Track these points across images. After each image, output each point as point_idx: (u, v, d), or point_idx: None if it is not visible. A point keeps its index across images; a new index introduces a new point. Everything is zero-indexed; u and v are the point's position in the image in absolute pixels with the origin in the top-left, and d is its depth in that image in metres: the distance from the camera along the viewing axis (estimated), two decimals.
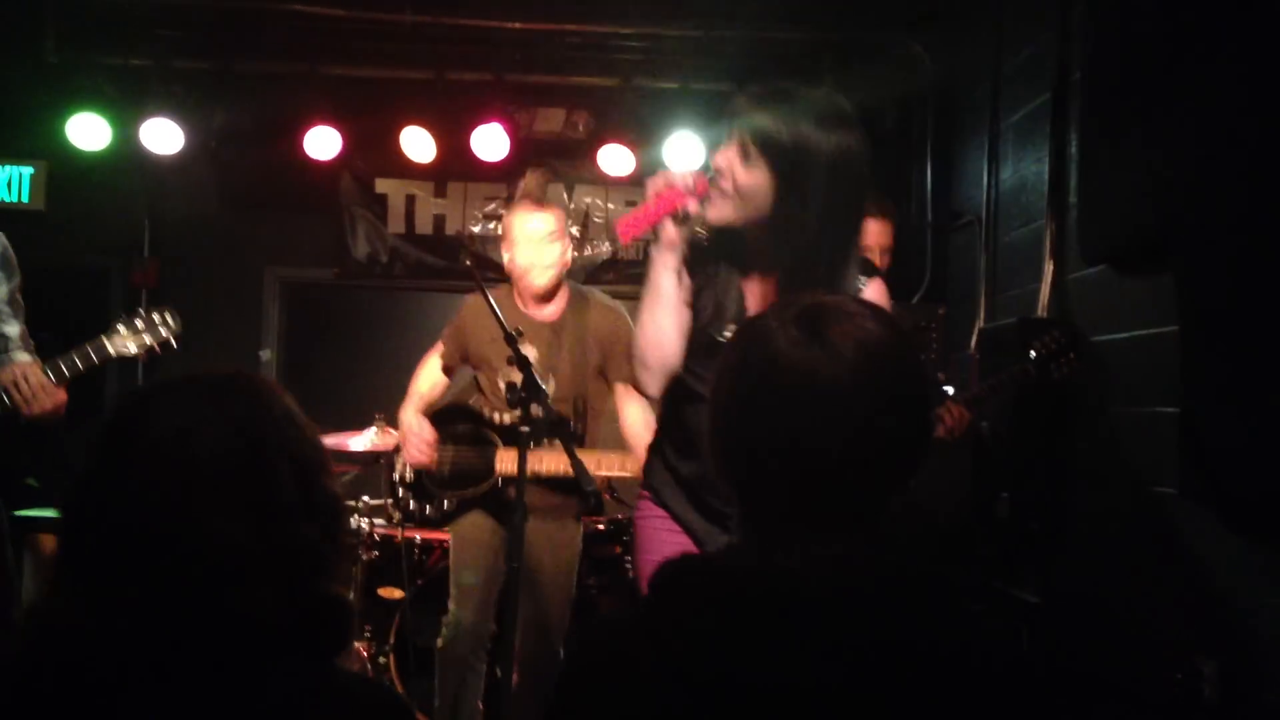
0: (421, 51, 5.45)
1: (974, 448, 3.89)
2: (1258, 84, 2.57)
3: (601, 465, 3.60)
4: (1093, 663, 3.28)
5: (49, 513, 4.60)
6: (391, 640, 4.32)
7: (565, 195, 6.12)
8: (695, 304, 2.39)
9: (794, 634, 1.17)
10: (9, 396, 3.04)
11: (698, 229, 2.37)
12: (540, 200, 3.83)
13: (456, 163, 5.67)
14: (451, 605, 3.74)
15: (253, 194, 6.02)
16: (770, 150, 2.21)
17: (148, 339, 3.23)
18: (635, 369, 2.45)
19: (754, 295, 2.38)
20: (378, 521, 4.59)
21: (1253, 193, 2.58)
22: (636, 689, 1.20)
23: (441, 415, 3.85)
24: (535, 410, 3.09)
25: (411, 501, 3.89)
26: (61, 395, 3.09)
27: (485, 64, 5.52)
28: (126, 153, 5.46)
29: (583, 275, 5.73)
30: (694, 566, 1.30)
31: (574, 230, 6.11)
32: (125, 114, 5.37)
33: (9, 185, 5.80)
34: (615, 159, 5.58)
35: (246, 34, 5.36)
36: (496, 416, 3.72)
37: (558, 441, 3.42)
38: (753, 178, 2.24)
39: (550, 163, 5.94)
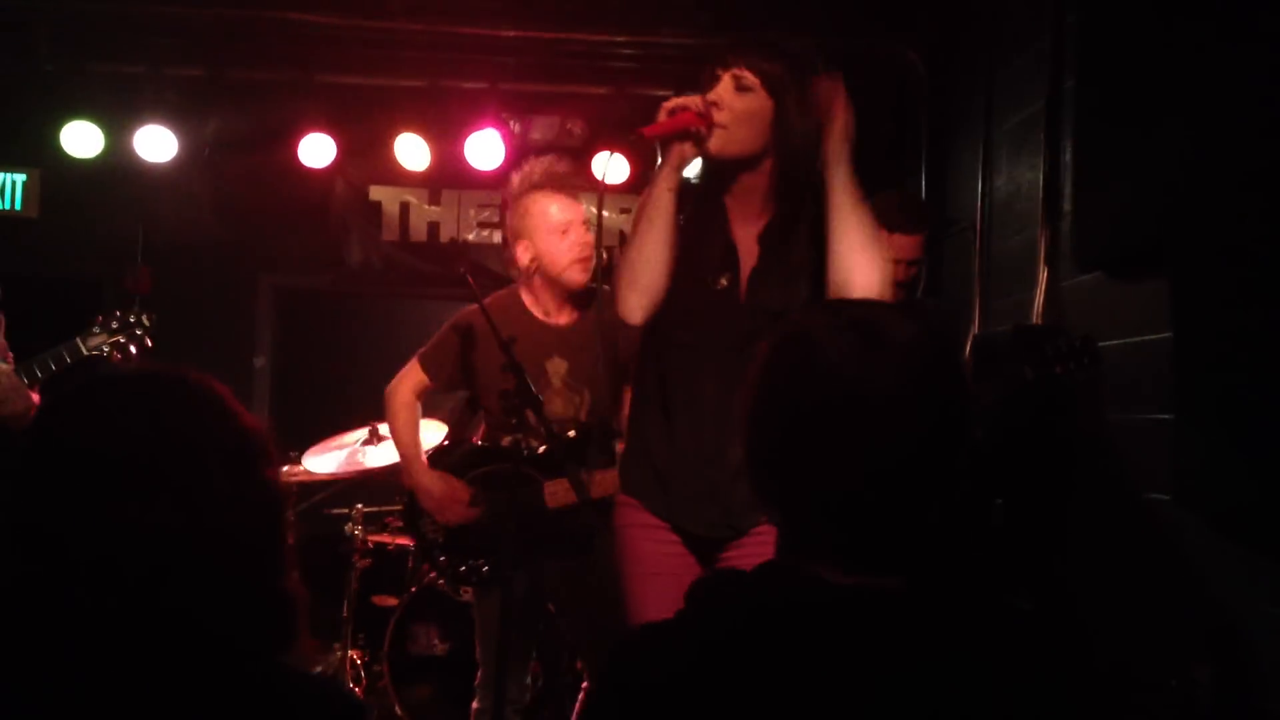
0: (415, 59, 5.45)
1: (969, 454, 3.88)
2: (1253, 90, 2.57)
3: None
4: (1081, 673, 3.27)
5: None
6: (386, 648, 4.31)
7: None
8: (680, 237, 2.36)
9: (835, 655, 1.15)
10: None
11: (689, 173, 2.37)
12: (570, 184, 3.35)
13: (451, 170, 5.67)
14: (479, 702, 3.34)
15: (246, 201, 6.01)
16: (765, 77, 2.29)
17: (122, 339, 3.22)
18: (621, 291, 2.34)
19: (743, 241, 2.38)
20: (370, 528, 4.59)
21: (1247, 199, 2.58)
22: (671, 709, 1.17)
23: (447, 461, 3.41)
24: (531, 419, 3.03)
25: (462, 565, 3.35)
26: (33, 396, 3.07)
27: (479, 71, 5.52)
28: (120, 160, 5.46)
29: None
30: (730, 585, 1.25)
31: None
32: (118, 122, 5.37)
33: (2, 193, 5.79)
34: (608, 167, 5.56)
35: (240, 41, 5.36)
36: (512, 442, 3.28)
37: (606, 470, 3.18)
38: (749, 103, 2.30)
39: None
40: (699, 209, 2.41)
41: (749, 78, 2.30)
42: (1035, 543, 3.61)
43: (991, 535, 3.51)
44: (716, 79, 2.34)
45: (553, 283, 3.28)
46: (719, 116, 2.29)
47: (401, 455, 3.40)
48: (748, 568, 1.29)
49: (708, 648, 1.19)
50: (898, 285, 3.57)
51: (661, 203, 2.31)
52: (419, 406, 3.43)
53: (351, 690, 4.05)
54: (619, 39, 5.36)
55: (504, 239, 3.44)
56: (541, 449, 3.25)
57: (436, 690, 4.22)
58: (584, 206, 3.29)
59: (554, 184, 3.28)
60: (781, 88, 2.30)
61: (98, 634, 1.19)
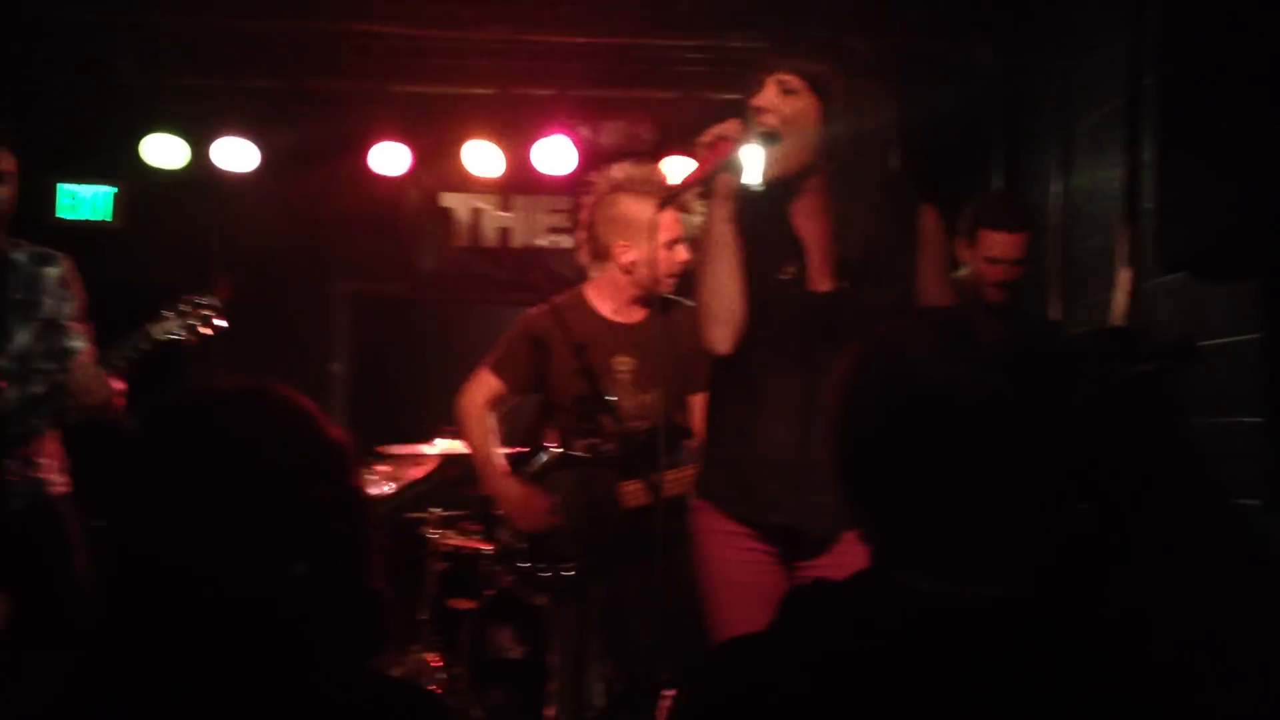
0: (486, 67, 5.50)
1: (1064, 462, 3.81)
2: None
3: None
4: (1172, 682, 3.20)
5: None
6: (464, 651, 4.34)
7: None
8: (743, 244, 2.39)
9: (932, 668, 1.13)
10: (65, 392, 3.11)
11: (748, 181, 2.37)
12: (683, 201, 3.34)
13: (521, 176, 5.71)
14: (556, 700, 3.41)
15: (322, 210, 6.11)
16: (809, 78, 2.30)
17: (192, 322, 3.31)
18: (703, 325, 2.38)
19: (808, 234, 2.39)
20: (448, 532, 4.63)
21: None
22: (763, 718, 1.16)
23: (524, 468, 3.46)
24: (607, 423, 3.06)
25: (543, 572, 3.39)
26: (116, 384, 3.14)
27: (549, 78, 5.55)
28: (201, 171, 5.57)
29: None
30: (826, 596, 1.23)
31: None
32: (199, 133, 5.48)
33: (92, 205, 5.93)
34: (679, 169, 5.57)
35: (315, 53, 5.44)
36: (586, 447, 3.38)
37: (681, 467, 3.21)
38: (796, 105, 2.31)
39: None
40: (762, 210, 2.42)
41: (792, 81, 2.32)
42: (1122, 550, 3.54)
43: (1077, 542, 3.46)
44: (761, 85, 2.35)
45: (640, 285, 3.33)
46: (769, 120, 2.31)
47: (478, 464, 3.44)
48: (835, 577, 1.27)
49: (802, 661, 1.17)
50: (997, 285, 3.51)
51: (720, 236, 2.35)
52: (491, 416, 3.46)
53: (438, 696, 4.08)
54: (687, 43, 5.36)
55: (586, 231, 3.44)
56: (614, 450, 3.27)
57: (513, 693, 4.25)
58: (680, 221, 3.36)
59: (671, 199, 3.28)
60: (826, 86, 2.31)
61: (195, 646, 1.22)
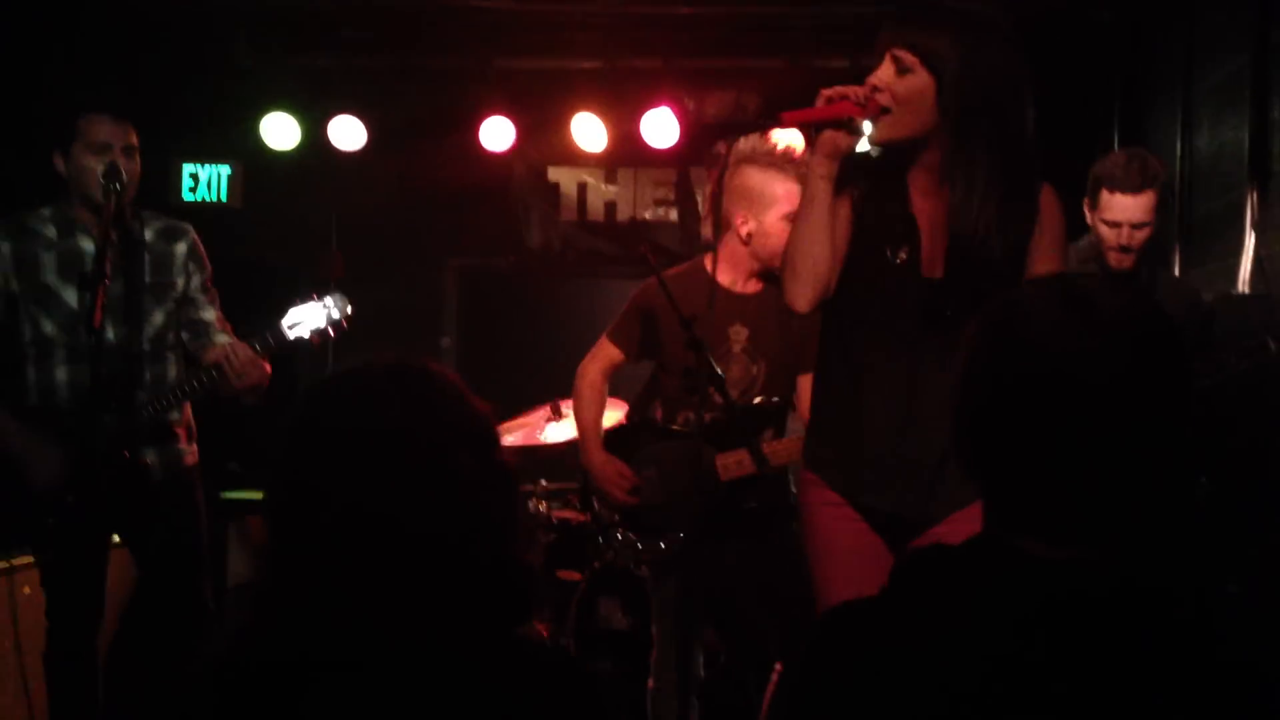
0: (591, 40, 5.51)
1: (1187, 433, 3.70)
2: None
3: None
4: None
5: (254, 495, 4.85)
6: (571, 623, 4.39)
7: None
8: (856, 215, 2.35)
9: (1041, 635, 1.12)
10: (219, 373, 3.17)
11: (868, 146, 2.32)
12: (795, 167, 3.27)
13: (627, 149, 5.72)
14: (655, 682, 3.40)
15: (431, 186, 6.20)
16: (924, 54, 2.21)
17: (319, 323, 3.33)
18: (785, 280, 2.35)
19: (923, 214, 2.33)
20: (555, 504, 4.68)
21: None
22: (875, 686, 1.16)
23: (618, 441, 3.48)
24: (713, 395, 3.05)
25: (638, 544, 3.39)
26: (267, 367, 3.22)
27: (654, 50, 5.54)
28: (314, 150, 5.69)
29: None
30: (940, 561, 1.23)
31: None
32: (313, 113, 5.61)
33: (209, 185, 6.11)
34: (785, 140, 5.52)
35: (424, 29, 5.52)
36: (686, 418, 3.36)
37: (770, 432, 3.27)
38: (910, 84, 2.22)
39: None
40: (878, 184, 2.37)
41: (907, 58, 2.23)
42: (1241, 523, 3.43)
43: (1196, 515, 3.35)
44: (879, 59, 2.28)
45: (759, 258, 3.30)
46: (882, 99, 2.24)
47: (579, 433, 3.49)
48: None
49: (917, 625, 1.17)
50: (1118, 250, 3.38)
51: (816, 192, 2.29)
52: (605, 386, 3.49)
53: (590, 672, 4.16)
54: (793, 10, 5.29)
55: (711, 202, 3.43)
56: (712, 420, 3.24)
57: (621, 664, 4.28)
58: None
59: (790, 169, 3.25)
60: (941, 61, 2.21)
61: (363, 610, 1.26)
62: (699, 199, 5.93)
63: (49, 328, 3.22)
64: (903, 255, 2.33)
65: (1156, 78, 4.73)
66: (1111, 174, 3.38)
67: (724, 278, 3.30)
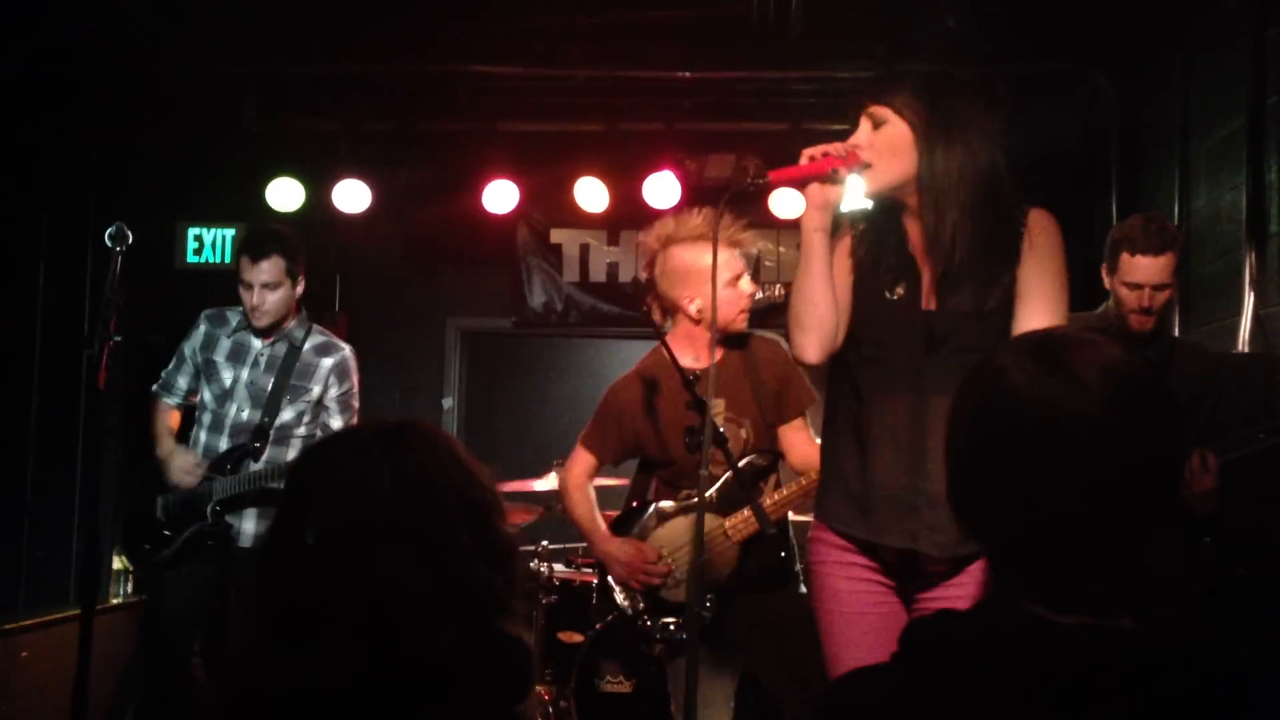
0: (594, 104, 5.57)
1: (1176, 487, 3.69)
2: None
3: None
4: None
5: None
6: (572, 684, 4.35)
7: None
8: (855, 264, 2.46)
9: (1060, 699, 1.11)
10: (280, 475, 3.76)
11: (846, 206, 2.44)
12: (734, 236, 3.47)
13: (629, 211, 5.75)
14: None
15: (434, 248, 6.25)
16: (895, 105, 2.35)
17: None
18: (792, 333, 2.42)
19: (919, 250, 2.40)
20: (557, 566, 4.65)
21: None
22: None
23: (627, 526, 3.55)
24: (718, 456, 3.05)
25: (670, 624, 3.40)
26: None
27: (656, 114, 5.60)
28: (318, 212, 5.73)
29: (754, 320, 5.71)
30: (950, 626, 1.22)
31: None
32: (317, 176, 5.65)
33: (214, 247, 6.16)
34: (785, 202, 5.57)
35: (427, 95, 5.58)
36: (685, 494, 3.45)
37: (763, 488, 3.32)
38: (887, 135, 2.36)
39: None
40: (874, 233, 2.46)
41: (880, 112, 2.37)
42: (1249, 581, 3.40)
43: (1204, 575, 3.33)
44: (856, 122, 2.42)
45: (720, 325, 3.32)
46: (866, 156, 2.36)
47: (583, 530, 3.59)
48: (957, 606, 1.26)
49: (927, 691, 1.16)
50: (1139, 312, 3.39)
51: (812, 244, 2.38)
52: (591, 485, 3.61)
53: None
54: (794, 75, 5.35)
55: (650, 292, 3.53)
56: (713, 491, 3.33)
57: None
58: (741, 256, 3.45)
59: (710, 236, 3.26)
60: (914, 111, 2.35)
61: (354, 684, 1.22)
62: None
63: (207, 397, 3.91)
64: (900, 290, 2.40)
65: (1154, 141, 4.77)
66: (1132, 237, 3.40)
67: (685, 360, 3.34)
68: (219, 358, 3.93)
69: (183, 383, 4.01)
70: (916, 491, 2.33)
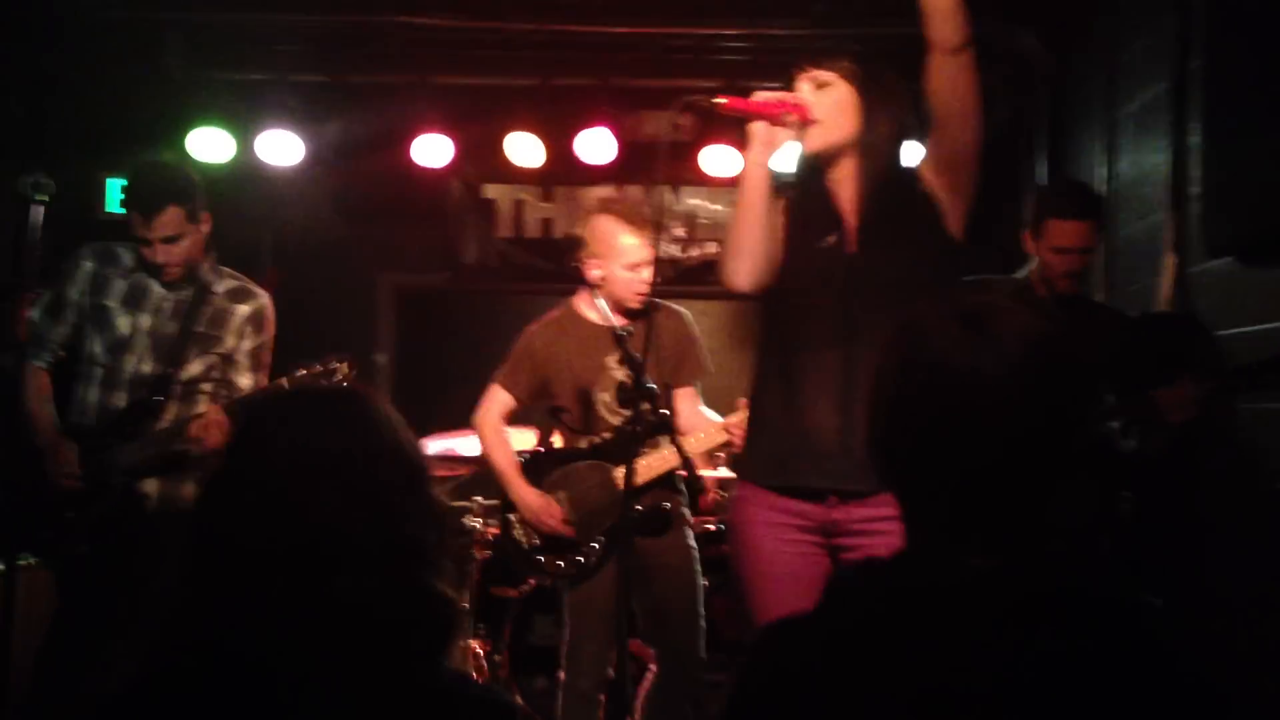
0: (527, 58, 5.52)
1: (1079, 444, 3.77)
2: None
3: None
4: (1215, 671, 3.17)
5: None
6: (506, 639, 4.38)
7: (671, 196, 6.15)
8: (787, 220, 2.57)
9: (965, 646, 1.16)
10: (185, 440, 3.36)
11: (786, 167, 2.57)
12: (648, 224, 3.69)
13: (563, 167, 5.74)
14: (566, 676, 3.62)
15: (366, 202, 6.16)
16: (838, 69, 2.49)
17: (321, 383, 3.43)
18: (726, 261, 2.53)
19: (848, 205, 2.53)
20: (490, 521, 4.67)
21: None
22: (813, 698, 1.19)
23: (533, 469, 3.74)
24: (645, 408, 3.13)
25: (560, 562, 3.63)
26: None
27: (590, 69, 5.57)
28: (246, 165, 5.63)
29: (688, 278, 5.75)
30: (870, 575, 1.28)
31: (681, 231, 6.14)
32: (245, 127, 5.55)
33: None
34: (720, 160, 5.58)
35: (358, 46, 5.48)
36: (588, 442, 3.66)
37: (660, 442, 3.50)
38: (832, 96, 2.49)
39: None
40: (805, 193, 2.58)
41: (823, 75, 2.50)
42: (1165, 536, 3.51)
43: (1120, 529, 3.43)
44: (794, 82, 2.53)
45: (610, 299, 3.63)
46: (813, 114, 2.48)
47: (502, 474, 3.73)
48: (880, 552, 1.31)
49: (850, 636, 1.20)
50: (1067, 275, 3.45)
51: (753, 176, 2.50)
52: (504, 428, 3.78)
53: (505, 692, 4.16)
54: (729, 32, 5.35)
55: (575, 246, 3.74)
56: (605, 440, 3.62)
57: (554, 680, 4.28)
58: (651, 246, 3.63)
59: (636, 223, 3.60)
60: (854, 75, 2.49)
61: (271, 636, 1.26)
62: None
63: (97, 348, 3.42)
64: (830, 239, 2.52)
65: (1080, 104, 4.85)
66: (1058, 202, 3.47)
67: (592, 314, 3.65)
68: (111, 302, 3.44)
69: (57, 336, 3.46)
70: (850, 432, 2.40)
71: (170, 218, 3.34)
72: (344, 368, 3.43)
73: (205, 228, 3.48)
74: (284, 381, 3.41)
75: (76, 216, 3.47)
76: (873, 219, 2.50)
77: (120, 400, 3.41)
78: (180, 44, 5.38)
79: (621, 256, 3.59)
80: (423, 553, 1.34)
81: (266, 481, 1.31)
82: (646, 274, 3.61)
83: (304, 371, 3.40)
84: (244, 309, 3.55)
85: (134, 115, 5.63)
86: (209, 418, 3.31)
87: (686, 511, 3.73)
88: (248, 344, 3.55)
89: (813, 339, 2.49)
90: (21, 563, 3.60)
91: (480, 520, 4.62)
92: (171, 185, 3.40)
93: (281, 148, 5.54)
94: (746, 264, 2.50)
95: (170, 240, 3.36)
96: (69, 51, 5.20)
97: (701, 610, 3.64)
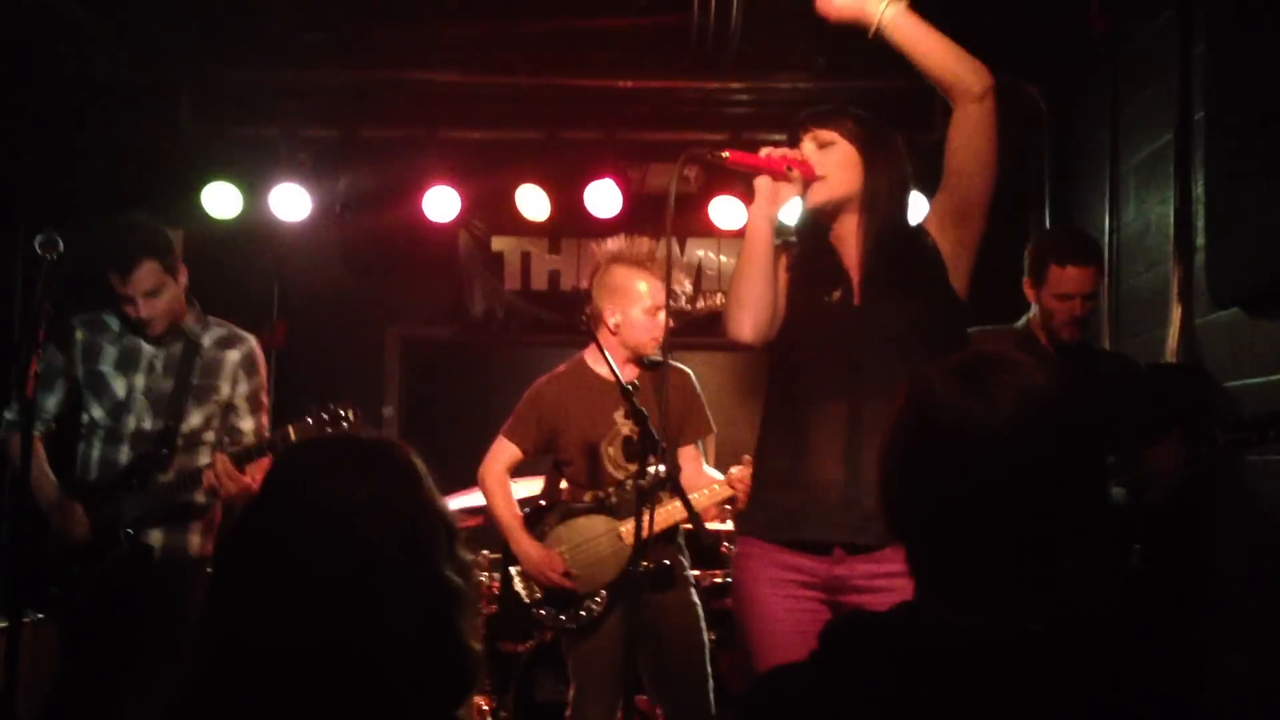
0: (535, 112, 5.58)
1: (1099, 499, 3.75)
2: None
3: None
4: None
5: None
6: (512, 695, 4.34)
7: (678, 250, 6.17)
8: (791, 277, 2.60)
9: (968, 696, 1.16)
10: (214, 495, 3.40)
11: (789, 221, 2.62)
12: (663, 271, 3.67)
13: (570, 219, 5.77)
14: None
15: (375, 255, 6.20)
16: (841, 130, 2.53)
17: (329, 430, 3.44)
18: (730, 312, 2.55)
19: (851, 260, 2.54)
20: (495, 575, 4.64)
21: None
22: None
23: (537, 521, 3.75)
24: (652, 464, 3.13)
25: (561, 615, 3.63)
26: (246, 480, 3.34)
27: (597, 122, 5.62)
28: (257, 219, 5.67)
29: (695, 329, 5.75)
30: (866, 627, 1.29)
31: (687, 284, 6.16)
32: (255, 182, 5.60)
33: None
34: (726, 212, 5.61)
35: (367, 101, 5.55)
36: (592, 495, 3.68)
37: (663, 497, 3.48)
38: (835, 154, 2.53)
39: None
40: (810, 248, 2.61)
41: (826, 134, 2.54)
42: (1175, 588, 3.48)
43: (1129, 581, 3.40)
44: (799, 141, 2.57)
45: (628, 346, 3.65)
46: (818, 170, 2.51)
47: (504, 527, 3.74)
48: (879, 606, 1.32)
49: (842, 690, 1.20)
50: (1071, 323, 3.44)
51: (758, 231, 2.53)
52: (509, 479, 3.80)
53: None
54: (734, 86, 5.40)
55: (587, 296, 3.79)
56: (610, 494, 3.63)
57: None
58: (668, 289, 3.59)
59: (652, 267, 3.66)
60: (856, 134, 2.53)
61: (296, 681, 1.26)
62: None
63: (97, 413, 3.48)
64: (836, 294, 2.54)
65: (1084, 154, 4.87)
66: (1059, 248, 3.45)
67: (601, 369, 3.62)
68: (105, 367, 3.50)
69: (52, 404, 3.51)
70: (855, 484, 2.40)
71: (147, 272, 3.40)
72: (351, 414, 3.45)
73: (183, 280, 3.55)
74: (291, 429, 3.40)
75: (89, 274, 3.48)
76: (878, 273, 2.52)
77: (123, 456, 3.46)
78: (192, 101, 5.45)
79: (639, 301, 3.63)
80: (458, 598, 1.35)
81: (291, 533, 1.30)
82: (662, 318, 3.60)
83: (311, 419, 3.42)
84: (234, 354, 3.60)
85: (147, 172, 5.69)
86: (219, 467, 3.31)
87: (688, 566, 3.73)
88: (243, 388, 3.60)
89: (819, 392, 2.49)
90: (26, 619, 3.61)
91: (486, 574, 4.60)
92: (144, 240, 3.46)
93: (291, 201, 5.58)
94: (750, 316, 2.52)
95: (150, 294, 3.41)
96: (83, 106, 5.26)
97: (708, 667, 3.61)
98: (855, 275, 2.54)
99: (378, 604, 1.27)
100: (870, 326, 2.48)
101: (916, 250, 2.53)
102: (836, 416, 2.45)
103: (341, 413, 3.45)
